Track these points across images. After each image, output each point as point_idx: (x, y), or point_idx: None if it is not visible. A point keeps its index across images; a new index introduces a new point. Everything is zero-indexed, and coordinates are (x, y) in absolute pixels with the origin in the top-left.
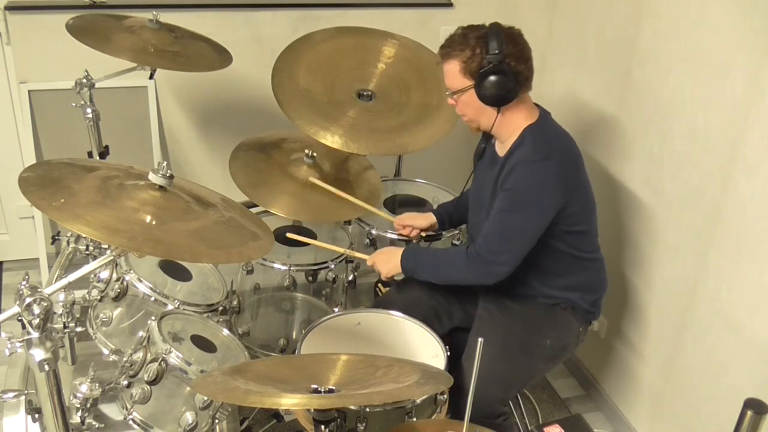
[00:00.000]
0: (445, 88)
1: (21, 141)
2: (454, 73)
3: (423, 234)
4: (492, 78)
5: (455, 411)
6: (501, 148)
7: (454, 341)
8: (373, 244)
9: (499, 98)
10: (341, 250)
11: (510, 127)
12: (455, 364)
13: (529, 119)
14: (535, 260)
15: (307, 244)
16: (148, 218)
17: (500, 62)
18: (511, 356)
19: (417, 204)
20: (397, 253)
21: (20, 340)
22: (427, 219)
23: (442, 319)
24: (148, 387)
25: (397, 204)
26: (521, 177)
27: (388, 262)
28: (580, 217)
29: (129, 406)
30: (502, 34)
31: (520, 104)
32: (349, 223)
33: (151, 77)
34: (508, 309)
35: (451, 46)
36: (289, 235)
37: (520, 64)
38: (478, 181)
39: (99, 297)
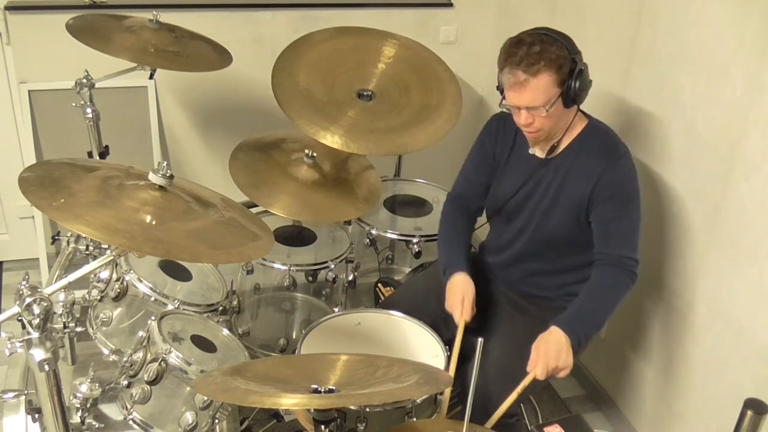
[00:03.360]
0: (529, 107)
1: (21, 141)
2: (546, 87)
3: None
4: (579, 80)
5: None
6: (542, 149)
7: (464, 345)
8: (373, 244)
9: (586, 95)
10: (514, 395)
11: (572, 128)
12: (465, 366)
13: (582, 117)
14: (572, 264)
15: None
16: (148, 218)
17: (581, 60)
18: (526, 358)
19: (417, 204)
20: (557, 337)
21: (20, 340)
22: (471, 285)
23: (449, 323)
24: (148, 387)
25: (397, 204)
26: (618, 178)
27: (565, 353)
28: None
29: (129, 406)
30: (562, 33)
31: None
32: (349, 223)
33: (151, 77)
34: (526, 312)
35: (537, 57)
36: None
37: (581, 54)
38: (510, 178)
39: (99, 297)
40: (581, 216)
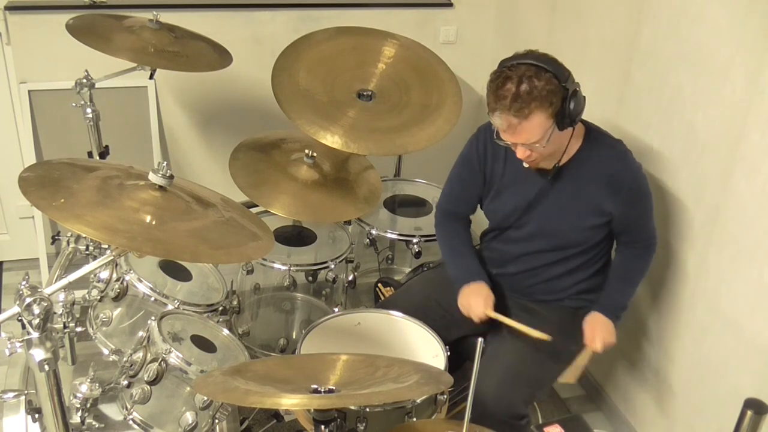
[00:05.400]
0: (521, 147)
1: (21, 141)
2: (540, 124)
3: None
4: (572, 103)
5: (475, 416)
6: (546, 161)
7: (465, 345)
8: (373, 244)
9: (581, 114)
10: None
11: (574, 136)
12: (467, 367)
13: (579, 123)
14: (583, 262)
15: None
16: (148, 218)
17: (572, 81)
18: (541, 360)
19: (417, 204)
20: (605, 321)
21: (20, 340)
22: (489, 291)
23: (450, 329)
24: (148, 387)
25: (397, 204)
26: (634, 179)
27: (613, 331)
28: None
29: (129, 406)
30: (544, 58)
31: None
32: (349, 223)
33: (151, 77)
34: (537, 314)
35: (527, 99)
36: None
37: (571, 74)
38: (512, 192)
39: (99, 297)
40: (597, 220)
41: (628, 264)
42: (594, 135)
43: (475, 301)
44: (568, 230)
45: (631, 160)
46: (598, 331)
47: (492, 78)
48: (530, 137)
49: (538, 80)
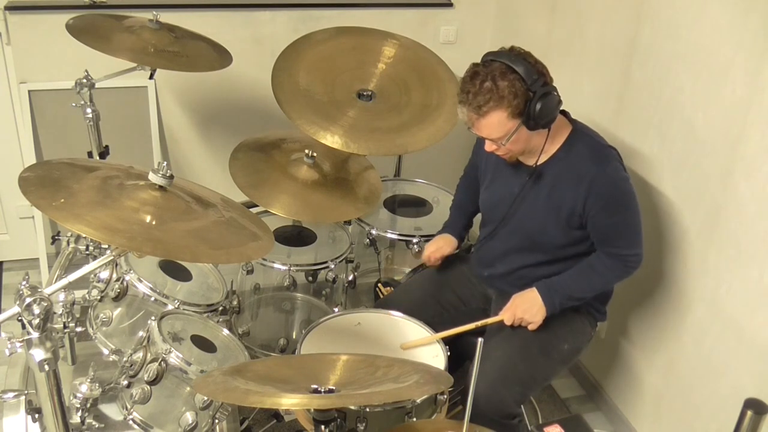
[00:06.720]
0: (488, 140)
1: (21, 141)
2: (500, 123)
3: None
4: (540, 105)
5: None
6: (526, 159)
7: (465, 345)
8: (373, 244)
9: (553, 117)
10: (472, 326)
11: (554, 136)
12: (465, 365)
13: (566, 123)
14: (572, 266)
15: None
16: (148, 218)
17: (543, 84)
18: (531, 359)
19: (417, 204)
20: (533, 297)
21: (20, 340)
22: (451, 244)
23: (448, 326)
24: (148, 387)
25: (397, 204)
26: (610, 185)
27: (536, 310)
28: None
29: (129, 406)
30: (520, 58)
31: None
32: (349, 223)
33: (151, 77)
34: None
35: (486, 96)
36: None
37: (548, 76)
38: (500, 184)
39: (99, 297)
40: (574, 222)
41: (593, 262)
42: (578, 137)
43: (430, 245)
44: (544, 230)
45: (613, 167)
46: (517, 304)
47: (466, 71)
48: (490, 133)
49: (503, 80)
